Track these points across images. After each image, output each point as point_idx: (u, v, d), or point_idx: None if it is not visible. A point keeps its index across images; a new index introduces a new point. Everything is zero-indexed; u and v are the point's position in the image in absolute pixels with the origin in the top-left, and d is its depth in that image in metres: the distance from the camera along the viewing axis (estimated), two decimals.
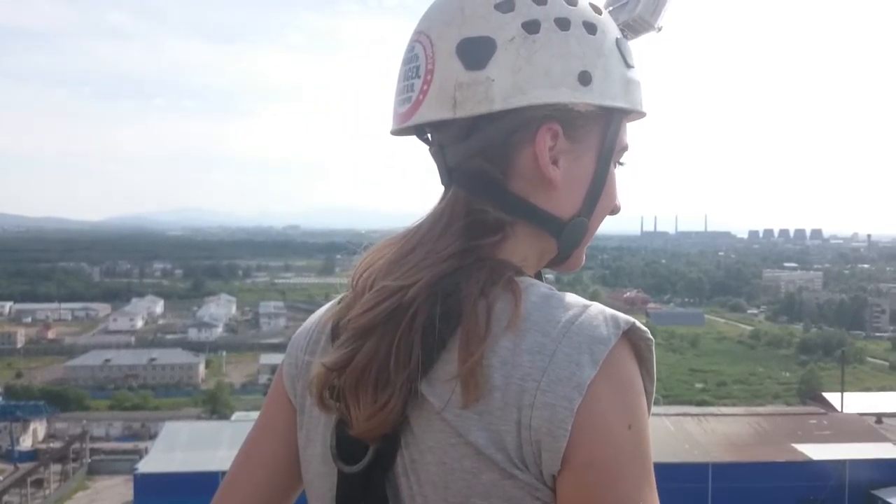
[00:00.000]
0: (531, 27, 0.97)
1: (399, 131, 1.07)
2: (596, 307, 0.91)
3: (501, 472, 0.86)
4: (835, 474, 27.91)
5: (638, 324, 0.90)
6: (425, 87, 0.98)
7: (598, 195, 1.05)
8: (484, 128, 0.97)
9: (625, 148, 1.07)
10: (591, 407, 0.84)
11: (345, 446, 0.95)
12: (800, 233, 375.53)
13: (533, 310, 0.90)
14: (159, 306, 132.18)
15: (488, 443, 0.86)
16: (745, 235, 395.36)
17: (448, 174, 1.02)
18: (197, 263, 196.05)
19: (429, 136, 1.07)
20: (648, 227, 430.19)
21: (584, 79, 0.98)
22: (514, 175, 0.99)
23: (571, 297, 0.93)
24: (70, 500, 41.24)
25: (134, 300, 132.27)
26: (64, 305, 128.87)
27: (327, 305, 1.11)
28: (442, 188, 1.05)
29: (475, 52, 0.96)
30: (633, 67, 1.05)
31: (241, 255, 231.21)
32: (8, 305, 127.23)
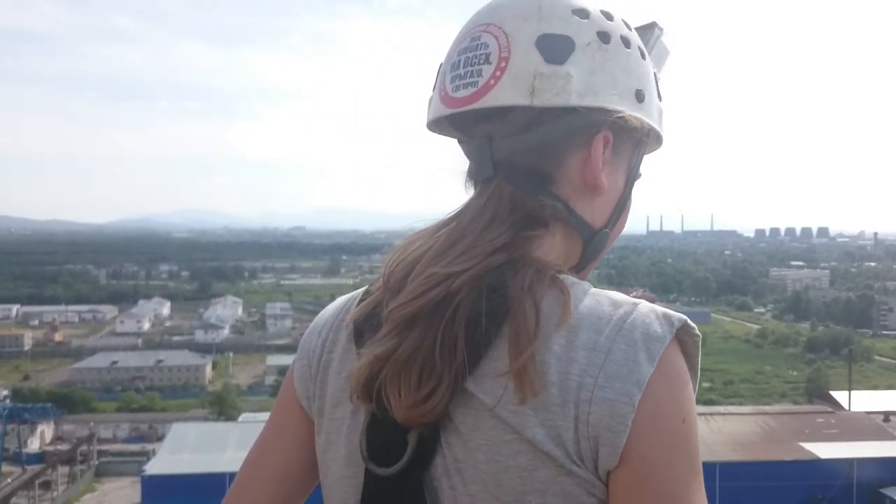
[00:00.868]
0: (604, 37, 1.01)
1: (438, 122, 1.08)
2: (646, 304, 0.93)
3: (559, 469, 0.86)
4: (843, 473, 27.82)
5: (689, 321, 0.92)
6: (498, 73, 0.98)
7: (622, 212, 1.08)
8: (546, 123, 0.99)
9: (640, 175, 1.11)
10: (649, 402, 0.86)
11: (377, 448, 0.94)
12: (806, 231, 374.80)
13: (582, 307, 0.91)
14: (166, 308, 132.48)
15: (546, 439, 0.86)
16: (752, 234, 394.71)
17: (493, 167, 1.01)
18: (203, 265, 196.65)
19: (455, 131, 1.07)
20: (654, 227, 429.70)
21: (640, 96, 1.03)
22: (561, 176, 1.01)
23: (618, 295, 0.94)
24: (78, 501, 41.33)
25: (140, 302, 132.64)
26: (71, 308, 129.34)
27: (336, 304, 1.12)
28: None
29: (556, 47, 0.98)
30: (662, 100, 1.10)
31: (247, 256, 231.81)
32: (15, 308, 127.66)
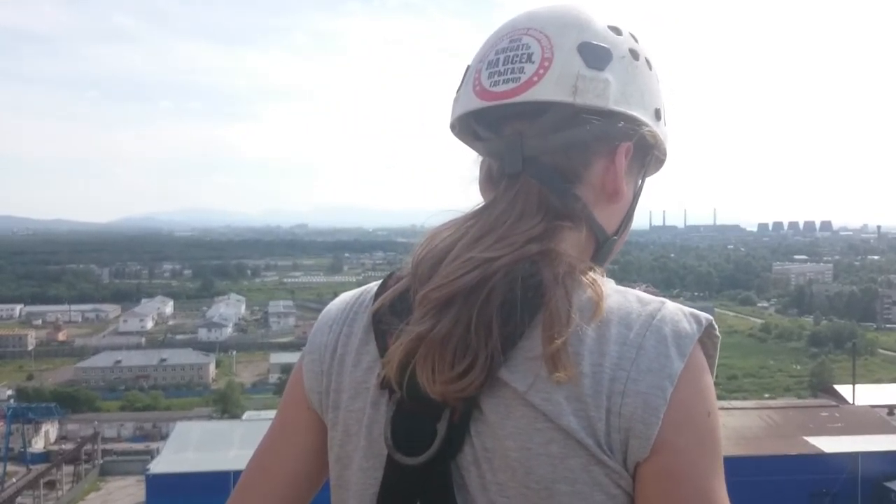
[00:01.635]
0: (634, 55, 1.07)
1: (464, 119, 1.09)
2: (673, 304, 0.96)
3: (590, 458, 0.88)
4: (847, 467, 27.73)
5: (714, 322, 0.96)
6: (541, 72, 1.01)
7: (628, 223, 1.13)
8: (579, 125, 1.02)
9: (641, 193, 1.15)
10: (679, 396, 0.89)
11: (403, 438, 0.94)
12: (809, 225, 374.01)
13: (611, 303, 0.94)
14: (169, 307, 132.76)
15: (579, 428, 0.88)
16: (755, 228, 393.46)
17: (522, 163, 1.03)
18: (206, 263, 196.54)
19: (477, 130, 1.08)
20: (657, 222, 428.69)
21: (658, 115, 1.09)
22: (586, 178, 1.04)
23: (643, 294, 0.98)
24: (82, 501, 41.45)
25: (144, 301, 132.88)
26: (74, 307, 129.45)
27: (344, 299, 1.12)
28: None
29: (596, 55, 1.03)
30: (667, 126, 1.14)
31: (250, 254, 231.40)
32: (18, 308, 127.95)
